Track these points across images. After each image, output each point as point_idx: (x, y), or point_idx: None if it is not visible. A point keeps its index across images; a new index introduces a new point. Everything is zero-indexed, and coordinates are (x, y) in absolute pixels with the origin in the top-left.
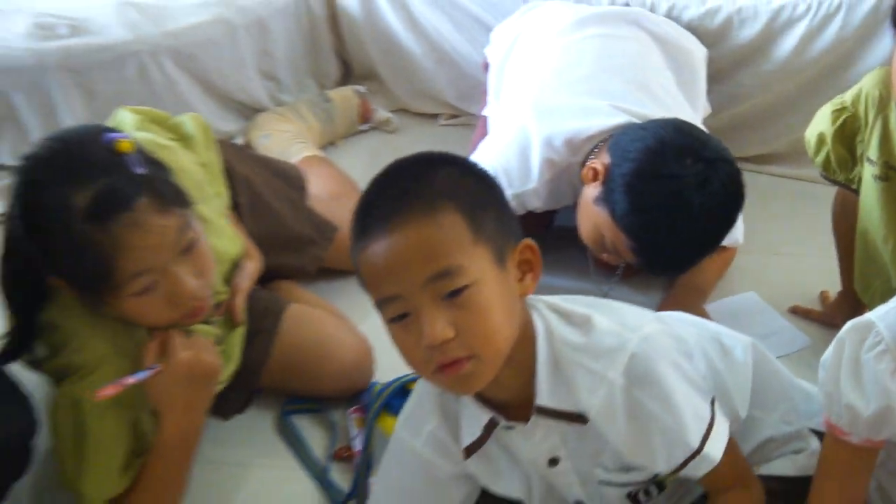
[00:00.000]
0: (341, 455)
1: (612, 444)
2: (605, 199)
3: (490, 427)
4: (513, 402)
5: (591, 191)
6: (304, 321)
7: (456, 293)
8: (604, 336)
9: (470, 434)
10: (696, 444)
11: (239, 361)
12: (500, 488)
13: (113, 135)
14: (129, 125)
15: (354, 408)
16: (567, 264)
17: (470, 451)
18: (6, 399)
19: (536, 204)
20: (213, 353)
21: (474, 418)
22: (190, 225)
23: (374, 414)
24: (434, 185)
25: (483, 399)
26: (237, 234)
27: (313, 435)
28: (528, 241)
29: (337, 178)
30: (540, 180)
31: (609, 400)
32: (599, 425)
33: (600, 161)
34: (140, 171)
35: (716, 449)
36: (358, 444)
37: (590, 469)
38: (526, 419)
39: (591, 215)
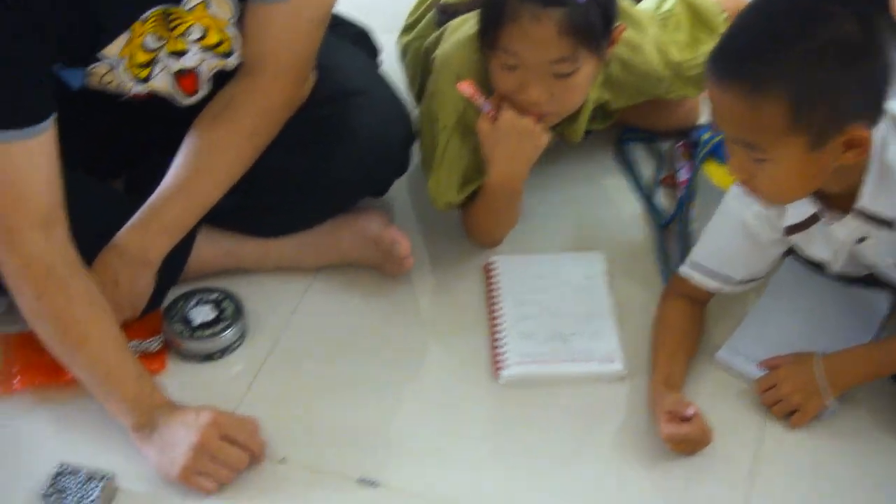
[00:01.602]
0: (666, 182)
1: None
2: None
3: (813, 219)
4: (838, 196)
5: None
6: None
7: (756, 159)
8: None
9: (794, 217)
10: None
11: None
12: (811, 252)
13: None
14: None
15: (682, 142)
16: None
17: (791, 230)
18: (393, 113)
19: None
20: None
21: (801, 206)
22: (576, 62)
23: (702, 158)
24: (790, 53)
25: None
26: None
27: (644, 163)
28: (865, 134)
29: None
30: None
31: None
32: None
33: None
34: (581, 1)
35: None
36: (683, 175)
37: (884, 256)
38: (845, 211)
39: None
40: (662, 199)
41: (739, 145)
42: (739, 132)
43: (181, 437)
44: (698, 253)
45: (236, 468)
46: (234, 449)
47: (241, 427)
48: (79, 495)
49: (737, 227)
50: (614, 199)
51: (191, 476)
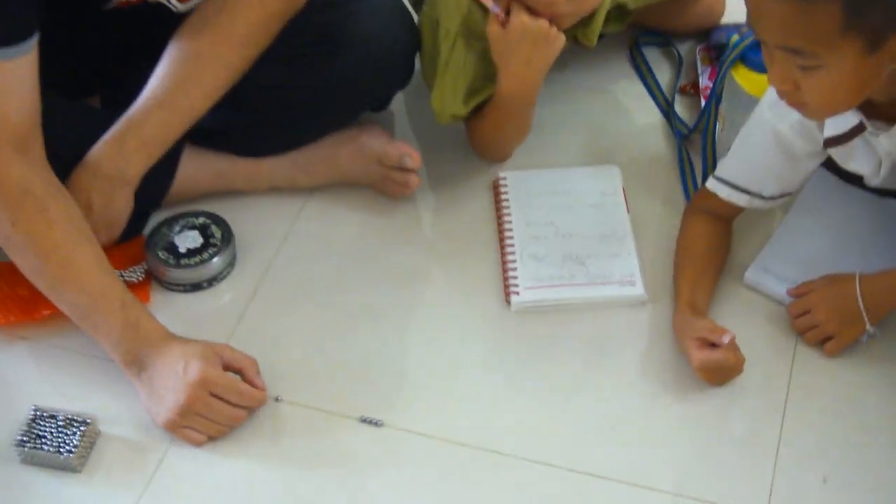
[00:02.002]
0: (686, 90)
1: None
2: None
3: (856, 131)
4: (884, 105)
5: None
6: None
7: (804, 66)
8: None
9: (834, 129)
10: None
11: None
12: (850, 165)
13: None
14: None
15: (703, 45)
16: None
17: (831, 142)
18: (395, 19)
19: None
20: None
21: (843, 117)
22: None
23: (730, 64)
24: None
25: None
26: None
27: (661, 69)
28: None
29: None
30: None
31: None
32: None
33: None
34: None
35: None
36: (704, 81)
37: None
38: (891, 120)
39: None
40: (681, 109)
41: (783, 52)
42: (785, 38)
43: (168, 390)
44: (726, 166)
45: (229, 425)
46: (226, 407)
47: (234, 385)
48: (57, 441)
49: (770, 138)
50: (630, 109)
51: (177, 430)
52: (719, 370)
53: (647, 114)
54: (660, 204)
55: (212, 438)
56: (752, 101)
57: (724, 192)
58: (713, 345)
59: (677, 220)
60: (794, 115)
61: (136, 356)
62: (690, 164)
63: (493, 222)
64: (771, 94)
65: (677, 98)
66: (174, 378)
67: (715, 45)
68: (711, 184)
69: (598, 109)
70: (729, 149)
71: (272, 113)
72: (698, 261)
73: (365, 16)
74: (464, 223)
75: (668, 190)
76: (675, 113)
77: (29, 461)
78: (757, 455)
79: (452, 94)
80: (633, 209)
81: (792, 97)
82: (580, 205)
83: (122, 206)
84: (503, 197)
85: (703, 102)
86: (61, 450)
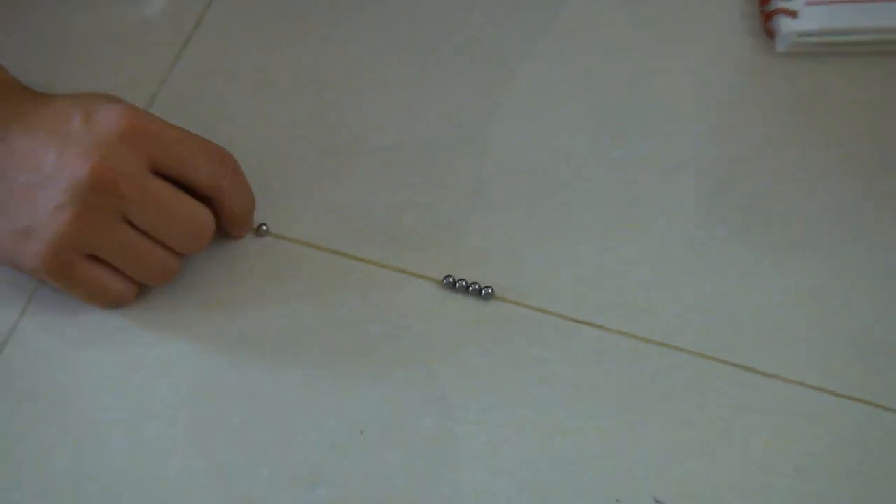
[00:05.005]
0: None
1: None
2: None
3: None
4: None
5: None
6: None
7: None
8: None
9: None
10: None
11: None
12: None
13: None
14: None
15: None
16: None
17: None
18: None
19: None
20: None
21: None
22: None
23: None
24: None
25: None
26: None
27: None
28: None
29: None
30: None
31: None
32: None
33: None
34: None
35: None
36: None
37: None
38: None
39: None
40: None
41: None
42: None
43: (48, 169)
44: None
45: (185, 244)
46: (175, 192)
47: (200, 147)
48: None
49: None
50: None
51: (75, 266)
52: None
53: None
54: None
55: (138, 287)
56: None
57: None
58: None
59: None
60: None
61: None
62: None
63: None
64: None
65: None
66: (60, 143)
67: None
68: None
69: None
70: None
71: None
72: None
73: None
74: None
75: None
76: None
77: None
78: None
79: None
80: None
81: None
82: None
83: None
84: None
85: None
86: None
